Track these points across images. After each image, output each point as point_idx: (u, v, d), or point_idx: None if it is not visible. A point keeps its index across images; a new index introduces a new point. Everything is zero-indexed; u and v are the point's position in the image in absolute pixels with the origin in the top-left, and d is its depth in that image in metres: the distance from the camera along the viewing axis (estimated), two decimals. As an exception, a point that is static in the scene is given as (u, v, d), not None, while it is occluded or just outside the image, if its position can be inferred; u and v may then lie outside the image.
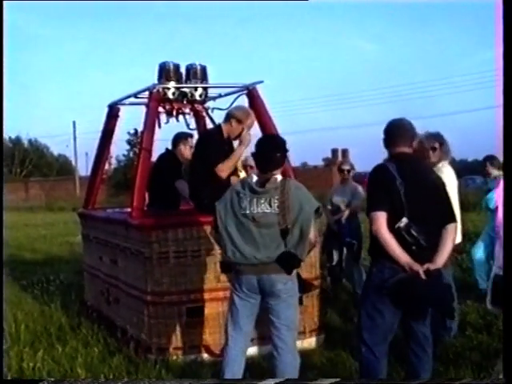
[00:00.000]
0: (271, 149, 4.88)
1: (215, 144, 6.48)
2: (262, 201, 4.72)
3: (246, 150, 6.80)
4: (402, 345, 5.07)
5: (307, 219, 4.73)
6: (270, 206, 4.71)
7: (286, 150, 4.97)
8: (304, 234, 4.73)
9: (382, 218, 4.55)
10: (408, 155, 4.81)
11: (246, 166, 7.89)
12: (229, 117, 6.59)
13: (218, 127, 6.81)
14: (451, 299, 4.72)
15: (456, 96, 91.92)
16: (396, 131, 4.80)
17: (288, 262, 4.74)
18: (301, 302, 5.01)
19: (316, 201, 4.87)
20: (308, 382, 4.87)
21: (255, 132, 6.83)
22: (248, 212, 4.74)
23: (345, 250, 8.62)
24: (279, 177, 4.80)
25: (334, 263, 8.88)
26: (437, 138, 6.19)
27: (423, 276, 4.44)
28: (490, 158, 8.12)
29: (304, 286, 5.03)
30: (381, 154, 4.93)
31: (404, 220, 4.50)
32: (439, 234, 4.66)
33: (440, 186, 4.83)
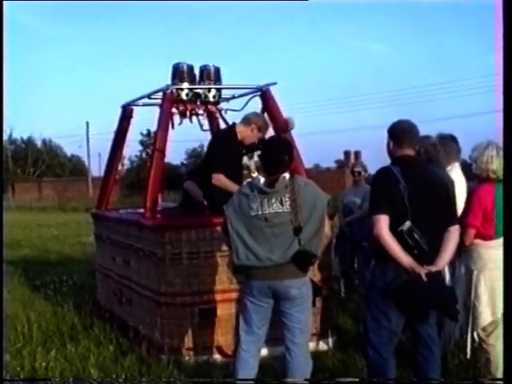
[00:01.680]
0: (279, 152, 4.85)
1: (227, 144, 6.51)
2: (273, 201, 4.71)
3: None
4: (409, 346, 5.11)
5: (321, 214, 4.75)
6: (282, 205, 4.70)
7: (292, 153, 4.98)
8: (319, 230, 4.75)
9: (383, 221, 4.55)
10: (412, 158, 4.82)
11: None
12: (250, 122, 6.63)
13: (231, 128, 6.83)
14: (454, 301, 4.68)
15: (460, 100, 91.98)
16: (402, 134, 4.78)
17: (303, 259, 4.73)
18: (314, 303, 5.01)
19: (326, 193, 4.89)
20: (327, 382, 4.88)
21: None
22: (260, 213, 4.72)
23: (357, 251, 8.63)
24: (287, 175, 4.78)
25: (347, 265, 8.91)
26: (446, 139, 6.15)
27: (425, 278, 4.46)
28: None
29: (314, 289, 5.01)
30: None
31: (407, 223, 4.50)
32: (442, 237, 4.67)
33: (444, 188, 4.80)
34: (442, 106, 66.08)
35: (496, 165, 5.12)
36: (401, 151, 4.76)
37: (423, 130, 5.97)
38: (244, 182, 5.53)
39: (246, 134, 6.63)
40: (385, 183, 4.66)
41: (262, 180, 4.80)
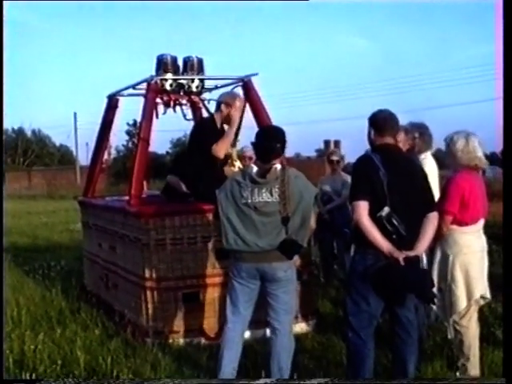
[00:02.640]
0: (272, 139, 4.96)
1: (209, 132, 6.61)
2: (263, 190, 4.83)
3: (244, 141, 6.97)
4: (387, 329, 5.19)
5: (308, 206, 4.88)
6: (271, 195, 4.82)
7: (285, 141, 5.04)
8: (305, 221, 4.87)
9: (363, 207, 4.64)
10: (392, 146, 4.90)
11: (244, 157, 8.00)
12: (218, 104, 6.73)
13: (211, 117, 6.95)
14: (430, 285, 4.80)
15: (452, 89, 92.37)
16: (383, 122, 4.87)
17: (289, 248, 4.86)
18: (295, 287, 5.16)
19: (314, 187, 5.04)
20: (300, 382, 4.97)
21: (251, 124, 6.99)
22: (250, 201, 4.84)
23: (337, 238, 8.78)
24: (278, 166, 4.90)
25: (326, 251, 9.05)
26: (417, 127, 6.26)
27: (402, 263, 4.56)
28: None
29: (296, 274, 5.16)
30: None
31: (386, 209, 4.59)
32: (420, 223, 4.78)
33: (424, 176, 4.93)
34: (433, 95, 66.13)
35: (480, 153, 5.25)
36: (381, 139, 4.85)
37: (413, 120, 6.17)
38: (237, 169, 5.67)
39: (220, 116, 6.71)
40: (365, 170, 4.74)
41: (255, 169, 4.91)
